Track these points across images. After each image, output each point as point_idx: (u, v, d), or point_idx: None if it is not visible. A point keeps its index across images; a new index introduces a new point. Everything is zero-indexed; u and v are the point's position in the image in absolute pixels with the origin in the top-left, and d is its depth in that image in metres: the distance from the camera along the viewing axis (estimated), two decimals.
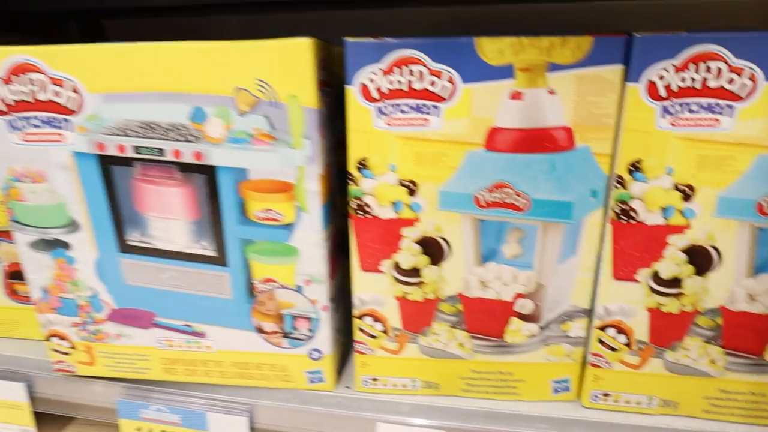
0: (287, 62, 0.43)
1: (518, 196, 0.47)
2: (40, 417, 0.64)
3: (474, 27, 0.84)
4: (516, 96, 0.44)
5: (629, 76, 0.42)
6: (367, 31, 0.89)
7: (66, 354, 0.58)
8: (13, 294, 0.64)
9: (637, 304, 0.49)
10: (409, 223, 0.49)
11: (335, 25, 0.91)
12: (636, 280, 0.48)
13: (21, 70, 0.46)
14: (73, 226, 0.51)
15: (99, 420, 0.62)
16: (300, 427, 0.56)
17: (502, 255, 0.49)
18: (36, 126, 0.48)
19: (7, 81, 0.46)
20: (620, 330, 0.50)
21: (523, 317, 0.51)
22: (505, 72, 0.43)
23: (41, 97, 0.47)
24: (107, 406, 0.61)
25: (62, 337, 0.57)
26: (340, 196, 0.55)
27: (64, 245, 0.52)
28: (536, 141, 0.45)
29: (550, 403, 0.55)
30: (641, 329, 0.49)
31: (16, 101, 0.47)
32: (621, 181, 0.45)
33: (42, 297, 0.55)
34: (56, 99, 0.46)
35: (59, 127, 0.47)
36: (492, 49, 0.43)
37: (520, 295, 0.50)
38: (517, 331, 0.52)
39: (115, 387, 0.60)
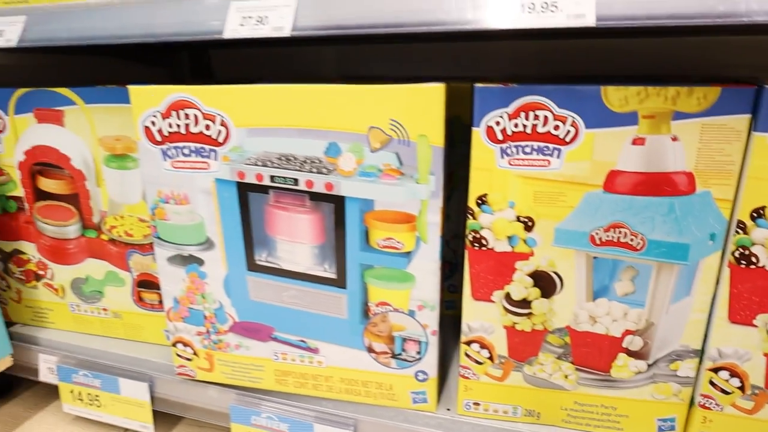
0: (420, 105, 0.47)
1: (634, 236, 0.48)
2: (153, 414, 0.69)
3: (556, 60, 0.86)
4: (638, 142, 0.45)
5: (757, 125, 0.43)
6: (455, 65, 0.93)
7: (188, 360, 0.63)
8: (140, 301, 0.70)
9: (754, 348, 0.48)
10: (524, 257, 0.51)
11: (424, 58, 0.94)
12: (754, 325, 0.48)
13: (179, 106, 0.52)
14: (207, 244, 0.56)
15: (206, 422, 0.67)
16: None
17: (614, 292, 0.50)
18: (186, 155, 0.53)
19: (166, 115, 0.52)
20: (734, 373, 0.50)
21: (631, 353, 0.52)
22: (628, 119, 0.45)
23: (194, 130, 0.52)
24: (218, 410, 0.66)
25: (186, 344, 0.62)
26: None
27: (198, 261, 0.57)
28: (656, 185, 0.46)
29: None
30: (757, 374, 0.49)
31: (170, 133, 0.53)
32: (742, 227, 0.46)
33: (173, 306, 0.61)
34: (206, 132, 0.52)
35: (206, 157, 0.53)
36: (617, 97, 0.45)
37: (629, 332, 0.51)
38: (624, 366, 0.52)
39: (228, 393, 0.64)
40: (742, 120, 0.43)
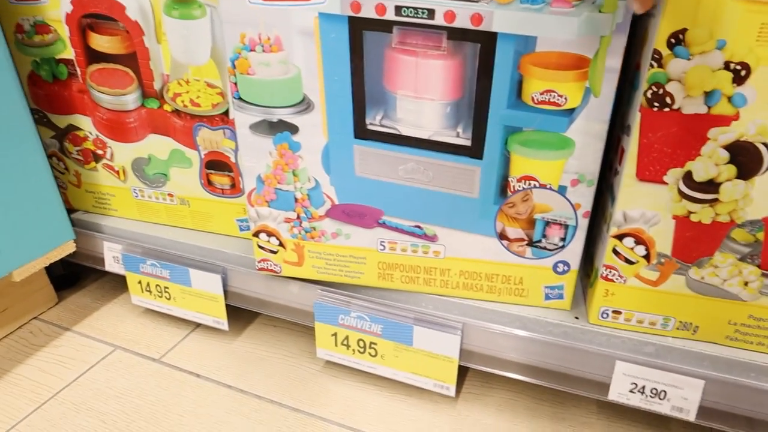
0: None
1: None
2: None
3: None
4: None
5: None
6: None
7: (273, 252, 0.55)
8: (209, 185, 0.62)
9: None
10: (723, 121, 0.38)
11: None
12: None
13: None
14: (304, 104, 0.45)
15: (285, 319, 0.60)
16: (519, 356, 0.50)
17: None
18: None
19: None
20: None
21: None
22: None
23: None
24: (300, 308, 0.58)
25: (271, 234, 0.53)
26: None
27: (291, 128, 0.47)
28: None
29: None
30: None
31: None
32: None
33: (256, 188, 0.51)
34: None
35: None
36: None
37: None
38: None
39: (313, 289, 0.56)
40: None
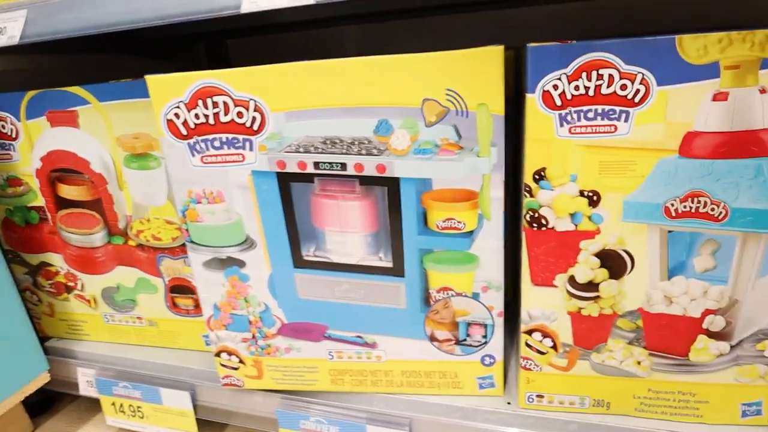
0: (478, 70, 0.42)
1: (715, 205, 0.43)
2: (197, 422, 0.67)
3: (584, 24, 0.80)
4: (719, 97, 0.40)
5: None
6: (486, 35, 0.87)
7: (235, 369, 0.60)
8: (174, 307, 0.67)
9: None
10: (589, 235, 0.46)
11: (452, 30, 0.89)
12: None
13: (206, 94, 0.48)
14: (247, 243, 0.53)
15: (253, 428, 0.65)
16: None
17: (693, 268, 0.46)
18: (216, 148, 0.49)
19: (191, 106, 0.49)
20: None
21: (712, 335, 0.47)
22: (708, 71, 0.40)
23: (224, 119, 0.48)
24: (265, 416, 0.63)
25: (231, 353, 0.59)
26: None
27: (239, 263, 0.54)
28: (740, 145, 0.41)
29: (737, 428, 0.50)
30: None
31: (197, 125, 0.49)
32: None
33: (213, 314, 0.57)
34: (239, 120, 0.48)
35: (240, 148, 0.49)
36: (694, 46, 0.40)
37: (709, 311, 0.47)
38: (704, 349, 0.48)
39: (274, 398, 0.61)
40: None
